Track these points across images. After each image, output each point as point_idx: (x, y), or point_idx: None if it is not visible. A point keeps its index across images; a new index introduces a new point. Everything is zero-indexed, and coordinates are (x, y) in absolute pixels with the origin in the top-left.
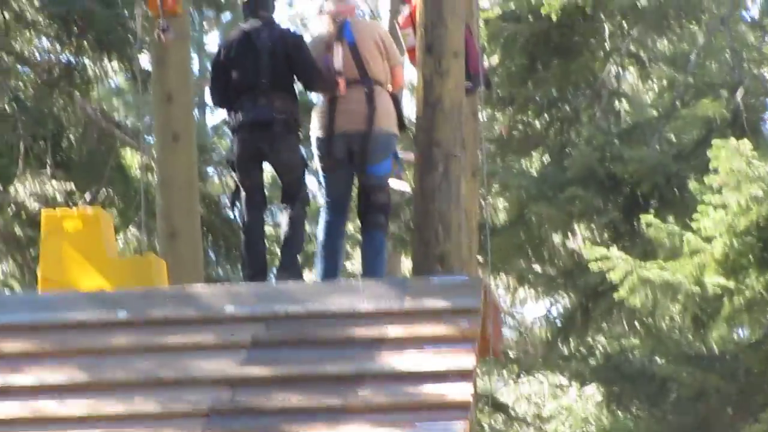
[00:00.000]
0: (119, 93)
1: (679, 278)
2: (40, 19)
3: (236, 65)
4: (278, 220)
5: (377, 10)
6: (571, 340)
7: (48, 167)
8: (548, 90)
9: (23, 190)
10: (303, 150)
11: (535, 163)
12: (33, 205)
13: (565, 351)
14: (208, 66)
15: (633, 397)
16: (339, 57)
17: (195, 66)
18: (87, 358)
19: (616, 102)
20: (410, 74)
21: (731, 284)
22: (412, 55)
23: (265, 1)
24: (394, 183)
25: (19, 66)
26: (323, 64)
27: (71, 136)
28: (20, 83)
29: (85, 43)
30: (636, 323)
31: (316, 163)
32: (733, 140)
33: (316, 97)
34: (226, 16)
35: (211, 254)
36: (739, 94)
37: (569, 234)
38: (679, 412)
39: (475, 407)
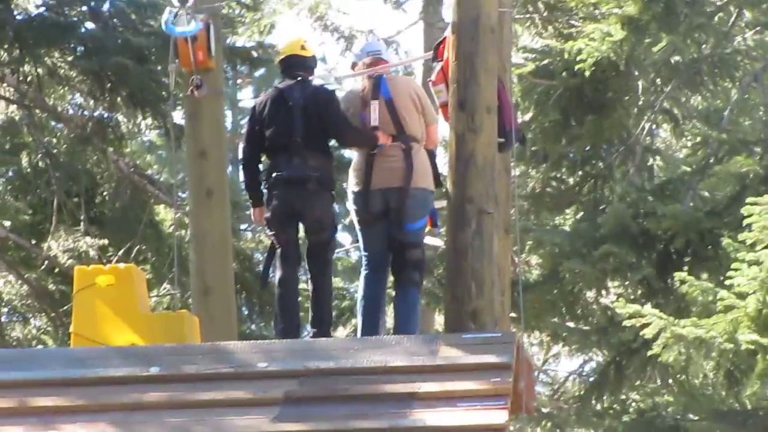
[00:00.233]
0: (152, 149)
1: (713, 335)
2: (74, 74)
3: (270, 124)
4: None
5: (411, 66)
6: (604, 396)
7: (81, 223)
8: (581, 146)
9: (56, 245)
10: (336, 208)
11: (568, 219)
12: (66, 260)
13: (599, 407)
14: (242, 122)
15: None
16: (376, 113)
17: (228, 121)
18: (119, 414)
19: (650, 158)
20: (443, 130)
21: (765, 341)
22: (444, 111)
23: (301, 60)
24: (428, 239)
25: (52, 122)
26: (359, 120)
27: (104, 192)
28: (53, 139)
29: (119, 98)
30: (669, 380)
31: (353, 218)
32: (767, 197)
33: (351, 154)
34: (260, 71)
35: (245, 310)
36: None
37: (603, 291)
38: None
39: None
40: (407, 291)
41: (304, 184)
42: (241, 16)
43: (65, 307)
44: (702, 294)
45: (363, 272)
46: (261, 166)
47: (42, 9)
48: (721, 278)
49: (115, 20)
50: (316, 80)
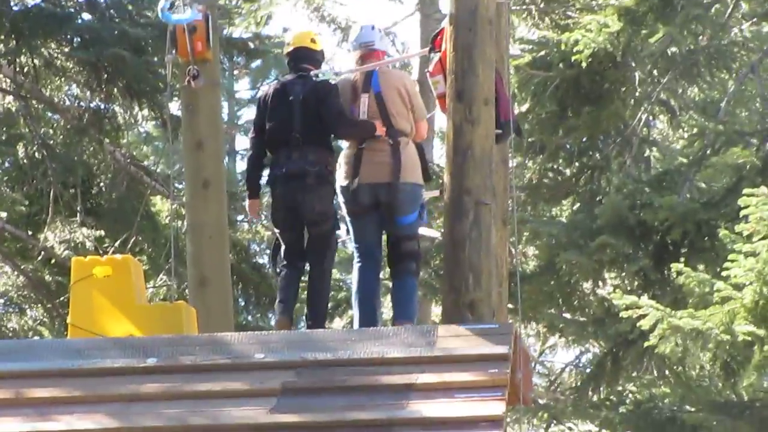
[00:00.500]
0: (149, 140)
1: (710, 326)
2: (70, 65)
3: (271, 118)
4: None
5: (407, 58)
6: (601, 387)
7: (78, 214)
8: (578, 137)
9: (53, 237)
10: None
11: (565, 210)
12: (63, 252)
13: (595, 399)
14: (238, 113)
15: None
16: (365, 106)
17: (225, 113)
18: (116, 405)
19: (647, 150)
20: (441, 121)
21: (761, 332)
22: (442, 102)
23: (309, 53)
24: (423, 230)
25: (49, 113)
26: (350, 111)
27: (101, 183)
28: (50, 130)
29: (115, 89)
30: (666, 371)
31: (342, 210)
32: (763, 188)
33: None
34: (257, 62)
35: (241, 301)
36: None
37: (599, 282)
38: None
39: None
40: (404, 280)
41: (303, 179)
42: (237, 7)
43: (62, 299)
44: (699, 285)
45: (356, 264)
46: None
47: (38, 0)
48: (718, 269)
49: (111, 11)
50: (316, 75)
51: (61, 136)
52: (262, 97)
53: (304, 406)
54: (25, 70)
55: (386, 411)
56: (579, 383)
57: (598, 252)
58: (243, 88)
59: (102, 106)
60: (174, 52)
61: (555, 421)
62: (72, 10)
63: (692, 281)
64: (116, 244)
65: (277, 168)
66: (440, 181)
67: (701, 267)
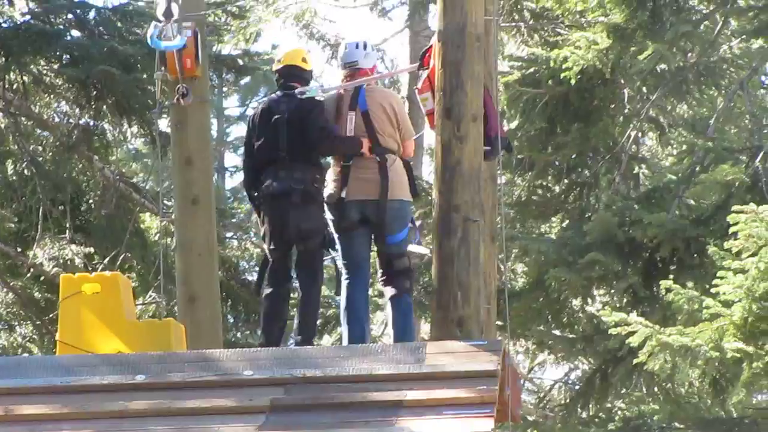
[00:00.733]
0: (138, 157)
1: (699, 343)
2: (59, 82)
3: (258, 137)
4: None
5: (396, 75)
6: (590, 404)
7: (67, 231)
8: (567, 154)
9: (42, 253)
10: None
11: (554, 227)
12: (52, 268)
13: (584, 416)
14: (227, 130)
15: None
16: (352, 124)
17: (214, 130)
18: (105, 422)
19: (636, 166)
20: (430, 138)
21: (750, 349)
22: (431, 119)
23: (298, 72)
24: (413, 247)
25: (38, 130)
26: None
27: (90, 200)
28: (39, 147)
29: (104, 106)
30: (655, 388)
31: (330, 227)
32: (752, 205)
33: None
34: (246, 79)
35: (230, 318)
36: (759, 159)
37: (588, 299)
38: None
39: None
40: (400, 300)
41: (288, 197)
42: (226, 24)
43: (51, 315)
44: (688, 302)
45: (344, 280)
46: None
47: (28, 17)
48: (707, 286)
49: (100, 28)
50: (301, 92)
51: (51, 153)
52: (251, 118)
53: (293, 423)
54: (14, 87)
55: (375, 428)
56: (568, 400)
57: (587, 269)
58: (232, 105)
59: (91, 123)
60: (163, 69)
61: None
62: (61, 27)
63: (681, 298)
64: (105, 261)
65: (264, 187)
66: (429, 197)
67: (690, 284)
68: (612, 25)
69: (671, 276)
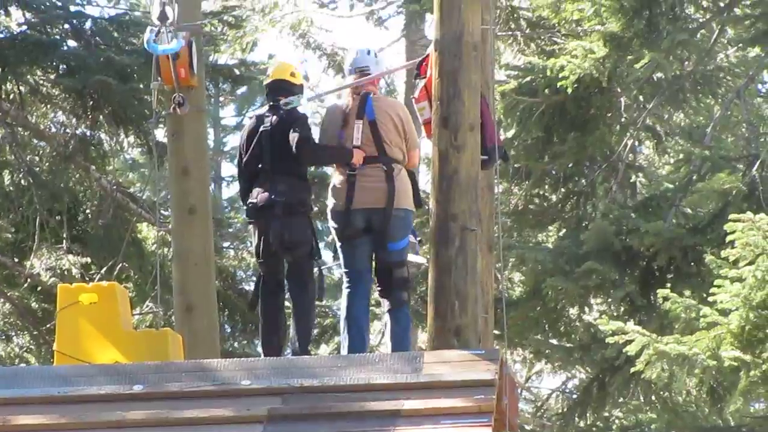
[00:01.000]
0: (135, 166)
1: (696, 352)
2: (56, 92)
3: (245, 151)
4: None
5: (393, 83)
6: (587, 413)
7: (64, 241)
8: (564, 163)
9: (39, 264)
10: (313, 228)
11: (551, 236)
12: (49, 279)
13: (582, 425)
14: (224, 139)
15: None
16: (359, 133)
17: (211, 139)
18: None
19: (633, 175)
20: (426, 147)
21: (748, 357)
22: (428, 128)
23: (287, 87)
24: (410, 257)
25: (35, 140)
26: (337, 136)
27: (87, 210)
28: (36, 157)
29: (101, 116)
30: (653, 397)
31: (333, 236)
32: (749, 214)
33: (331, 171)
34: (242, 89)
35: (227, 328)
36: (756, 167)
37: (586, 307)
38: None
39: None
40: (399, 312)
41: (271, 210)
42: (223, 33)
43: (48, 325)
44: (685, 311)
45: (345, 290)
46: None
47: (24, 27)
48: (704, 295)
49: (97, 38)
50: (285, 104)
51: (47, 164)
52: (242, 133)
53: None
54: (11, 97)
55: None
56: (565, 409)
57: (584, 278)
58: (229, 114)
59: (88, 133)
60: (159, 79)
61: None
62: (58, 37)
63: (678, 307)
64: (102, 271)
65: (250, 200)
66: (426, 207)
67: (687, 292)
68: (608, 33)
69: (668, 285)
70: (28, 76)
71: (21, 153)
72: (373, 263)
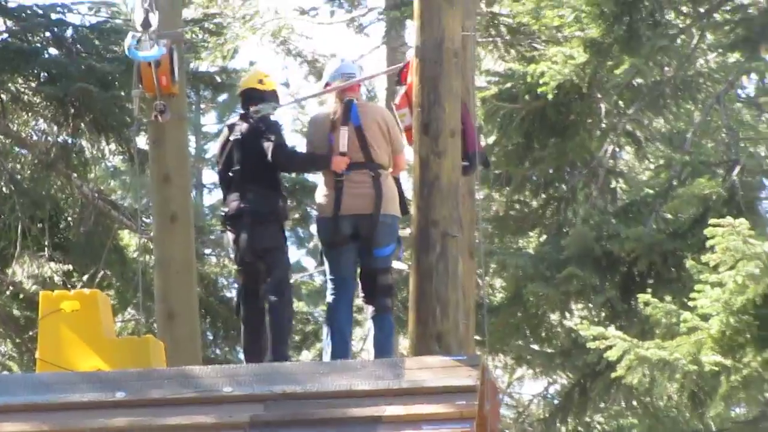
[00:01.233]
0: (116, 174)
1: (677, 356)
2: (37, 100)
3: (218, 161)
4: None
5: (374, 90)
6: (569, 419)
7: (46, 249)
8: (545, 169)
9: (21, 271)
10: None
11: (532, 242)
12: (31, 286)
13: (564, 430)
14: (205, 146)
15: None
16: (345, 139)
17: (192, 146)
18: None
19: (613, 181)
20: (408, 154)
21: (728, 362)
22: (408, 134)
23: (258, 95)
24: (393, 263)
25: (16, 148)
26: (326, 142)
27: (69, 218)
28: (17, 165)
29: (82, 124)
30: (634, 402)
31: (319, 242)
32: (729, 219)
33: (314, 179)
34: (223, 96)
35: (209, 335)
36: (736, 172)
37: (566, 313)
38: None
39: None
40: (382, 319)
41: (240, 218)
42: (204, 41)
43: (30, 333)
44: (665, 316)
45: (330, 296)
46: None
47: (5, 35)
48: (685, 300)
49: (78, 46)
50: (256, 111)
51: (29, 171)
52: (217, 143)
53: None
54: None
55: None
56: (547, 414)
57: (564, 283)
58: (210, 121)
59: (69, 141)
60: (140, 86)
61: None
62: (39, 45)
63: (659, 312)
64: (84, 278)
65: (223, 208)
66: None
67: (668, 298)
68: (589, 39)
69: (649, 290)
70: (9, 84)
71: (2, 161)
72: (358, 269)
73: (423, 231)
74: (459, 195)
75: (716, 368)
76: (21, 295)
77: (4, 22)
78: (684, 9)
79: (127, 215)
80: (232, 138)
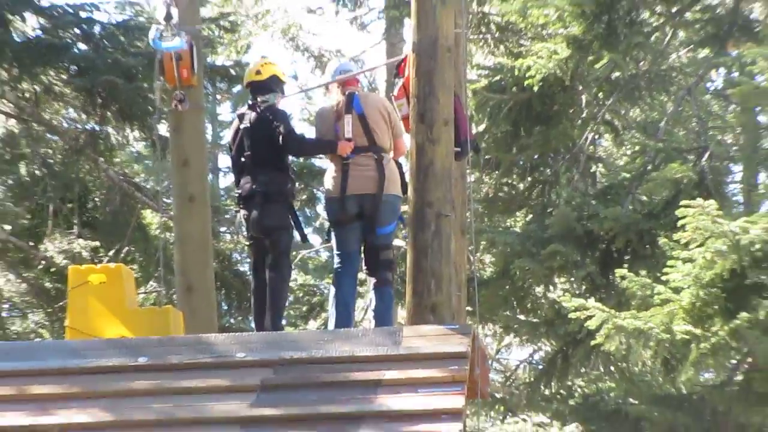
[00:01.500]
0: (140, 159)
1: (651, 326)
2: (68, 91)
3: (230, 148)
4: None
5: (374, 82)
6: (552, 382)
7: (75, 227)
8: (531, 155)
9: (52, 247)
10: (294, 214)
11: (519, 221)
12: (61, 261)
13: (547, 393)
14: (221, 134)
15: None
16: (349, 126)
17: (209, 134)
18: (110, 400)
19: (593, 165)
20: (405, 141)
21: (698, 331)
22: (406, 123)
23: (258, 85)
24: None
25: (48, 134)
26: (333, 131)
27: (96, 199)
28: (49, 150)
29: (109, 113)
30: (611, 367)
31: (328, 220)
32: (699, 200)
33: (322, 163)
34: (237, 87)
35: (224, 306)
36: (705, 158)
37: (550, 286)
38: None
39: None
40: (383, 291)
41: (252, 199)
42: (219, 37)
43: (61, 303)
44: (641, 289)
45: (336, 269)
46: None
47: (38, 32)
48: (658, 274)
49: (105, 41)
50: (263, 101)
51: (60, 156)
52: (229, 131)
53: (281, 400)
54: (27, 95)
55: (357, 405)
56: (532, 379)
57: (549, 259)
58: (225, 111)
59: (97, 129)
60: (162, 78)
61: (510, 414)
62: (69, 40)
63: (635, 285)
64: (110, 253)
65: (237, 190)
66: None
67: (643, 272)
68: (571, 36)
69: (625, 265)
70: (42, 77)
71: (36, 146)
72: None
73: (419, 211)
74: (452, 178)
75: (687, 337)
76: (52, 269)
77: (38, 20)
78: (658, 8)
79: (149, 196)
80: (242, 126)
